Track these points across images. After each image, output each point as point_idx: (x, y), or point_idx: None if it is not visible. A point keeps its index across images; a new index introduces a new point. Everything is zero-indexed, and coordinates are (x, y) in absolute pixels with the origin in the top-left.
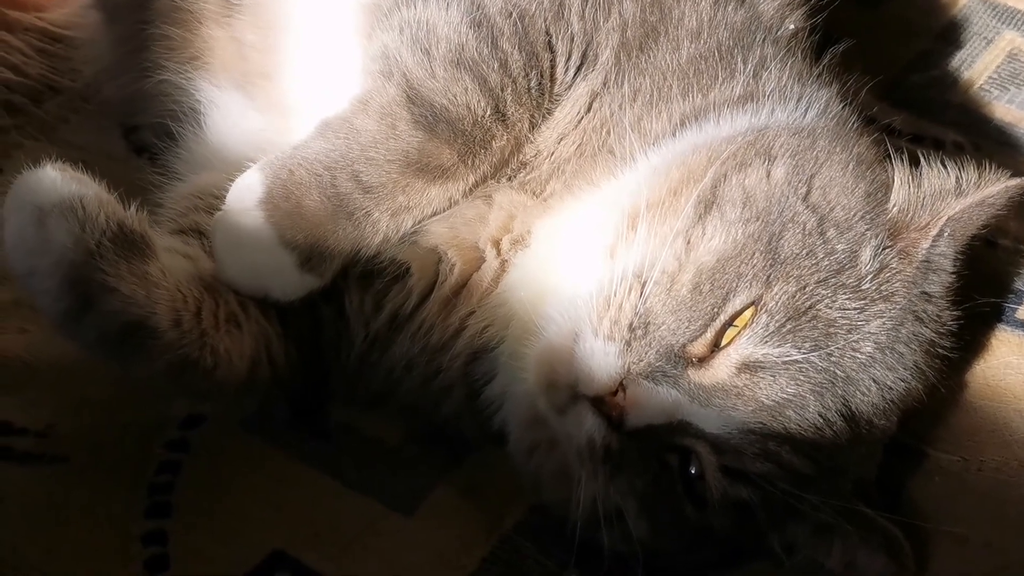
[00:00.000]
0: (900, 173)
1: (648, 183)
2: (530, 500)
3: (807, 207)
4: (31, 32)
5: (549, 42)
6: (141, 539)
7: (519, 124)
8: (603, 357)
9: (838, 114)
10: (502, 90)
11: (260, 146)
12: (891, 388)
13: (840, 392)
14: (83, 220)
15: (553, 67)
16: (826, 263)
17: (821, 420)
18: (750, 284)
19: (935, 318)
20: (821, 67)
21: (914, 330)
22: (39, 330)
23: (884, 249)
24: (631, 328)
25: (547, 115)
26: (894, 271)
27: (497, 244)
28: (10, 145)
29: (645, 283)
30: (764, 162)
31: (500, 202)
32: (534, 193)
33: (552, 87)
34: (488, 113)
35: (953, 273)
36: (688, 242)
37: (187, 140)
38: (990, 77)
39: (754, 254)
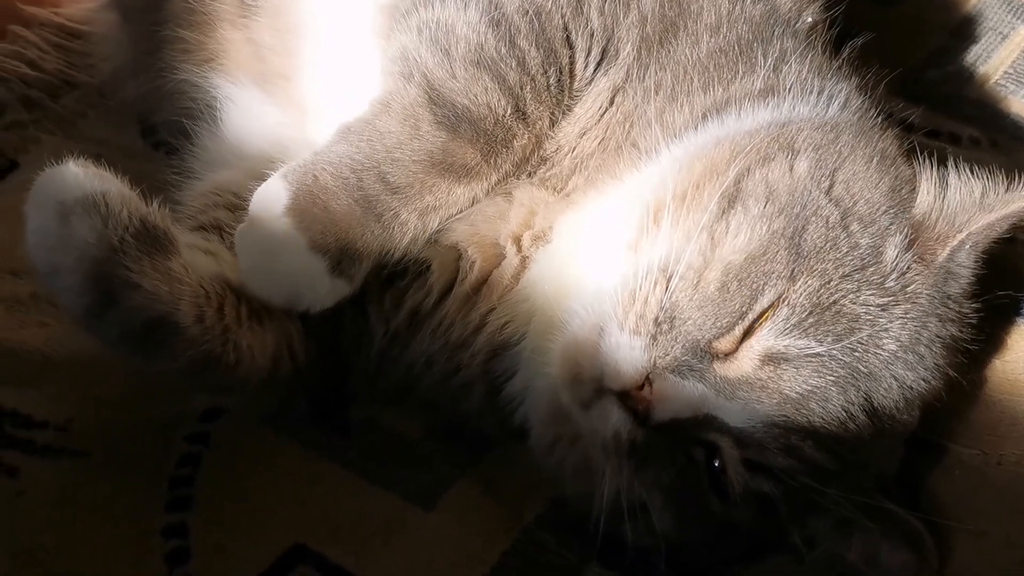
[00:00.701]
0: (927, 177)
1: (672, 176)
2: (550, 494)
3: (830, 200)
4: (47, 27)
5: (568, 38)
6: (161, 532)
7: (540, 122)
8: (629, 351)
9: (859, 108)
10: (521, 88)
11: (279, 143)
12: (912, 387)
13: (863, 388)
14: (106, 216)
15: (572, 63)
16: (850, 258)
17: (844, 414)
18: (776, 281)
19: (955, 318)
20: (841, 61)
21: (936, 331)
22: (59, 324)
23: (906, 249)
24: (657, 322)
25: (567, 111)
26: (915, 273)
27: (518, 240)
28: (28, 140)
29: (671, 277)
30: (787, 156)
31: (521, 199)
32: (555, 189)
33: (572, 83)
34: (509, 112)
35: (974, 274)
36: (712, 238)
37: (204, 138)
38: (1006, 72)
39: (779, 251)
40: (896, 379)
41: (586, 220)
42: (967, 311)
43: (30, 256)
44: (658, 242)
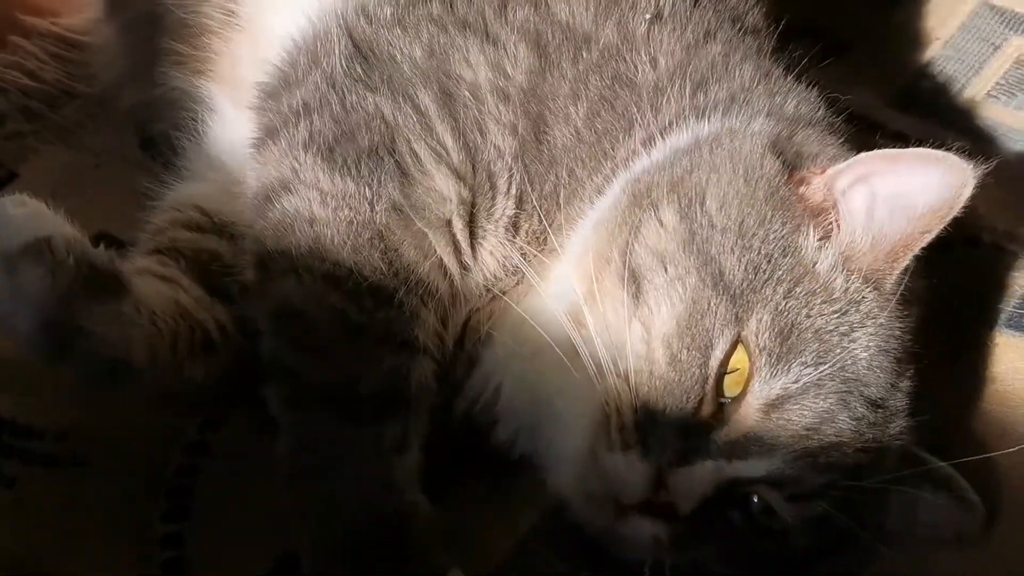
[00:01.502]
0: (824, 181)
1: (575, 274)
2: (544, 505)
3: (719, 231)
4: (46, 38)
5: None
6: (159, 542)
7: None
8: (628, 468)
9: (744, 104)
10: (400, 334)
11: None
12: (898, 374)
13: (858, 392)
14: (52, 266)
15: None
16: (778, 273)
17: (854, 421)
18: (722, 330)
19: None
20: (736, 52)
21: (903, 327)
22: None
23: (845, 272)
24: (639, 426)
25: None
26: (865, 295)
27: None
28: (27, 150)
29: (627, 377)
30: (651, 213)
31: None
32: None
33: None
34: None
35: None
36: (643, 324)
37: (188, 150)
38: (998, 83)
39: (709, 300)
40: (881, 374)
41: (527, 320)
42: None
43: None
44: (595, 342)
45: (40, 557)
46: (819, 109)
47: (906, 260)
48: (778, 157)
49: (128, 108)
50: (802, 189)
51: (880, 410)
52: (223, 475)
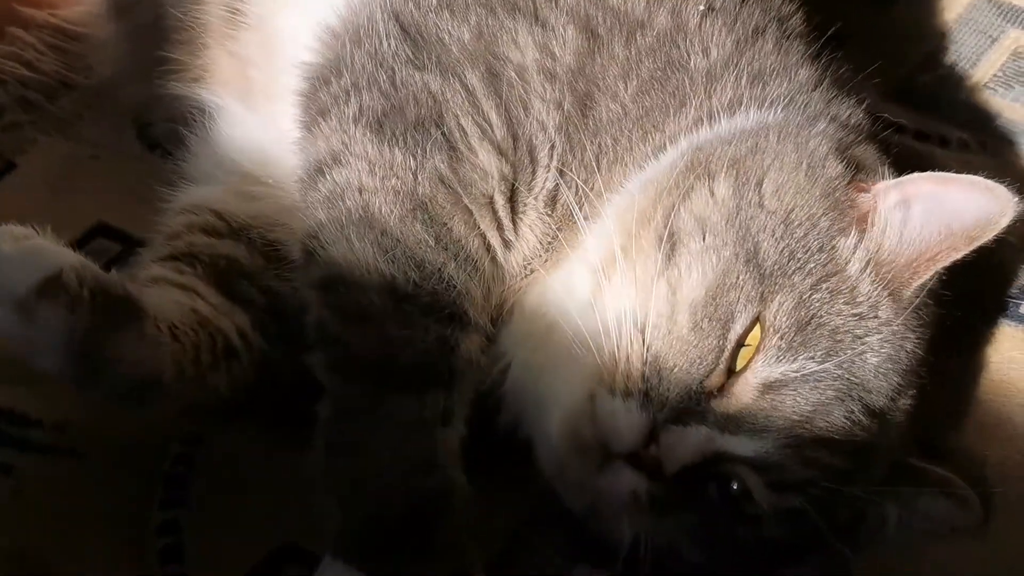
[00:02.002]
0: (878, 188)
1: (614, 231)
2: (538, 493)
3: (767, 213)
4: (45, 29)
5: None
6: (156, 530)
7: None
8: (626, 414)
9: (801, 106)
10: (448, 307)
11: (263, 163)
12: (901, 389)
13: (858, 396)
14: (68, 303)
15: (494, 229)
16: (811, 265)
17: (848, 422)
18: (745, 305)
19: (929, 334)
20: (789, 54)
21: (914, 347)
22: None
23: (871, 276)
24: (645, 378)
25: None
26: (885, 305)
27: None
28: (25, 141)
29: (644, 330)
30: (705, 183)
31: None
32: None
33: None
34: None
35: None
36: (669, 283)
37: (194, 149)
38: (995, 75)
39: (739, 275)
40: (885, 384)
41: (549, 292)
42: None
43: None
44: (619, 298)
45: (38, 546)
46: (867, 123)
47: (928, 274)
48: (842, 161)
49: (127, 101)
50: (857, 195)
51: (877, 420)
52: (220, 464)
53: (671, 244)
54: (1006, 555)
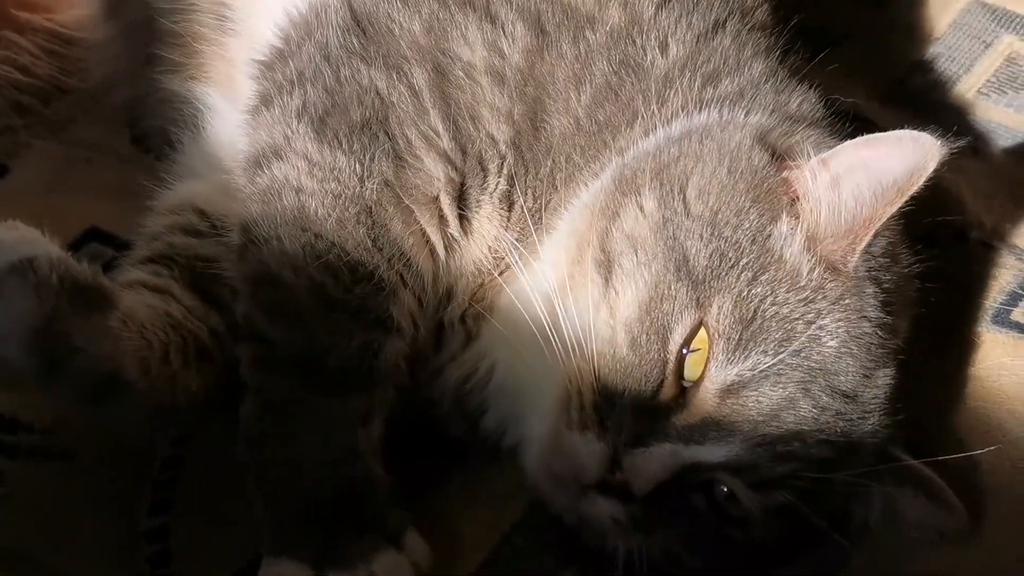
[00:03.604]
0: (810, 169)
1: (559, 257)
2: (528, 499)
3: (692, 219)
4: (40, 33)
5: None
6: (145, 535)
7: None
8: (586, 447)
9: (751, 100)
10: (376, 310)
11: None
12: (869, 365)
13: (823, 381)
14: (36, 284)
15: (435, 227)
16: (744, 260)
17: (818, 410)
18: (682, 314)
19: (892, 310)
20: (746, 47)
21: (875, 325)
22: None
23: (811, 256)
24: (597, 408)
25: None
26: (828, 280)
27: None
28: (19, 145)
29: (591, 360)
30: (633, 199)
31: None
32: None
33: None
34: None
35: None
36: (610, 308)
37: (184, 147)
38: (988, 81)
39: (670, 286)
40: (852, 363)
41: (521, 293)
42: (903, 295)
43: None
44: (571, 325)
45: (29, 550)
46: (820, 110)
47: (868, 236)
48: (767, 150)
49: (122, 103)
50: (787, 174)
51: (850, 401)
52: (206, 467)
53: (608, 268)
54: (999, 560)
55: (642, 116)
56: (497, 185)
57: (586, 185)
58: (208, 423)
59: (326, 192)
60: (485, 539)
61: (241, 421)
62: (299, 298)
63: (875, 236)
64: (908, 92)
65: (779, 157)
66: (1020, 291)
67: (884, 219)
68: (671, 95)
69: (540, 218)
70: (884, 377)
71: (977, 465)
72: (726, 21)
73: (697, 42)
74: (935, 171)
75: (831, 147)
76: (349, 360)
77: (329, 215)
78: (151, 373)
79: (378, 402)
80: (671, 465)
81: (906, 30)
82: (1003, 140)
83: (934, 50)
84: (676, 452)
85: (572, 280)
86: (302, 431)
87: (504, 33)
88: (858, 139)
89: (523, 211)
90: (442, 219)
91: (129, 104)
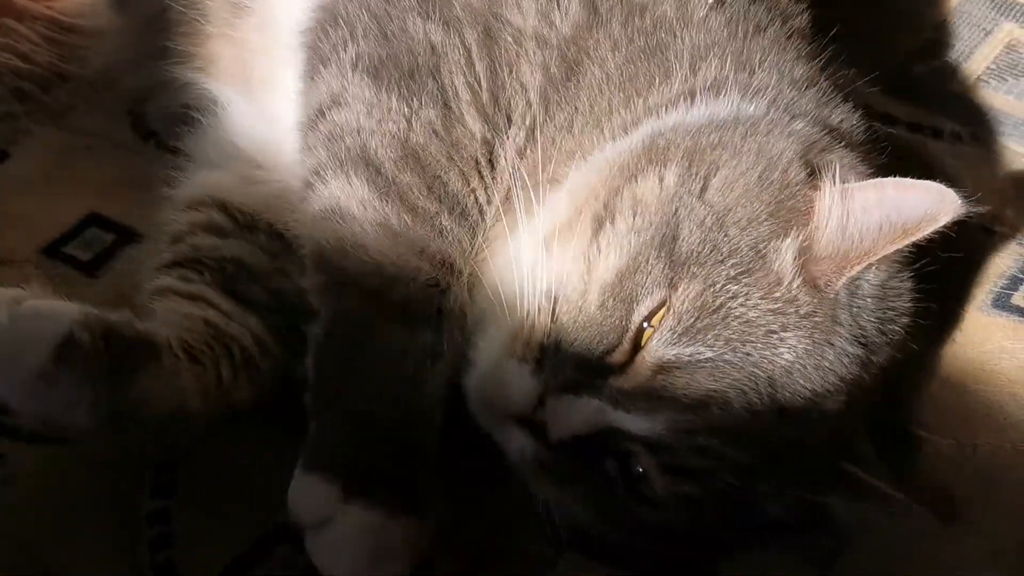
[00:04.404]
0: (827, 191)
1: (563, 204)
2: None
3: (703, 203)
4: (40, 21)
5: (462, 171)
6: (146, 518)
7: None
8: (518, 378)
9: (790, 103)
10: (439, 253)
11: (263, 150)
12: (825, 391)
13: (765, 391)
14: (85, 362)
15: (482, 189)
16: (732, 260)
17: (750, 415)
18: (652, 289)
19: (867, 342)
20: (787, 50)
21: (840, 353)
22: None
23: (794, 262)
24: (542, 348)
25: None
26: (806, 295)
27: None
28: (19, 132)
29: (556, 303)
30: (657, 168)
31: None
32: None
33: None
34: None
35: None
36: (588, 261)
37: (198, 137)
38: (988, 68)
39: (649, 259)
40: (802, 382)
41: (507, 257)
42: (886, 333)
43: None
44: (547, 271)
45: (29, 533)
46: (860, 132)
47: (860, 267)
48: (806, 167)
49: (126, 90)
50: (811, 197)
51: (790, 418)
52: (208, 449)
53: (599, 223)
54: (999, 545)
55: (676, 75)
56: (516, 139)
57: (611, 137)
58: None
59: (384, 132)
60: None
61: (309, 343)
62: (366, 228)
63: (867, 267)
64: (907, 80)
65: (813, 175)
66: (1020, 275)
67: (881, 254)
68: (704, 66)
69: (550, 168)
70: (834, 405)
71: (976, 448)
72: (768, 26)
73: (734, 35)
74: (945, 225)
75: (862, 173)
76: (416, 293)
77: (387, 154)
78: (210, 397)
79: (445, 346)
80: (592, 422)
81: (906, 18)
82: (1004, 127)
83: (933, 37)
84: (601, 411)
85: (566, 229)
86: (372, 353)
87: (558, 6)
88: (888, 180)
89: (536, 159)
90: (481, 177)
91: (134, 93)
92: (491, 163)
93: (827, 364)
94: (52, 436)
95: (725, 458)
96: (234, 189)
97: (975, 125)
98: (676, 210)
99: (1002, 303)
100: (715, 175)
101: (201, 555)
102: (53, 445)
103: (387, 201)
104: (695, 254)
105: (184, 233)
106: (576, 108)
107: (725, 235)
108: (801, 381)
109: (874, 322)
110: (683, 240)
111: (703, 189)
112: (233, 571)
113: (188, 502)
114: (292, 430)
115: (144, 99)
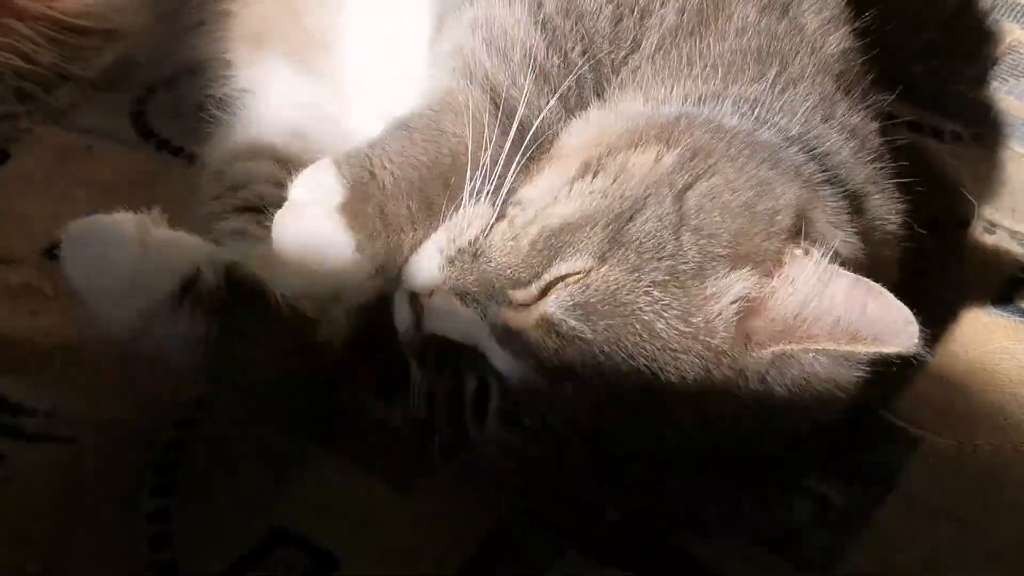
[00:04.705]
0: (813, 261)
1: (576, 136)
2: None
3: (676, 201)
4: (42, 21)
5: (607, 41)
6: (147, 517)
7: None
8: (427, 261)
9: (825, 154)
10: (571, 102)
11: (309, 118)
12: (692, 437)
13: (640, 399)
14: (208, 300)
15: (611, 68)
16: (668, 265)
17: (596, 413)
18: (578, 255)
19: (770, 410)
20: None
21: (734, 410)
22: (49, 313)
23: (738, 300)
24: (460, 251)
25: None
26: (724, 344)
27: None
28: (20, 131)
29: (501, 219)
30: (661, 146)
31: None
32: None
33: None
34: (557, 120)
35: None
36: (555, 199)
37: (233, 113)
38: (989, 68)
39: (596, 226)
40: (682, 415)
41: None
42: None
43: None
44: (524, 189)
45: (30, 532)
46: (894, 214)
47: (789, 347)
48: (798, 220)
49: (135, 84)
50: (788, 251)
51: (636, 441)
52: (209, 450)
53: (584, 170)
54: (999, 545)
55: (740, 77)
56: (633, 57)
57: (645, 100)
58: (209, 407)
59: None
60: (485, 517)
61: None
62: (520, 35)
63: (802, 351)
64: (911, 80)
65: (799, 232)
66: (1021, 275)
67: (817, 347)
68: (734, 80)
69: (618, 95)
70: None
71: (977, 448)
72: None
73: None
74: (888, 355)
75: (864, 252)
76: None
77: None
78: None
79: None
80: (464, 334)
81: (909, 18)
82: (1004, 127)
83: (935, 37)
84: (478, 331)
85: (563, 157)
86: None
87: None
88: (870, 284)
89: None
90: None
91: (147, 84)
92: (599, 62)
93: (709, 409)
94: (52, 436)
95: (559, 441)
96: (289, 142)
97: (975, 125)
98: (648, 196)
99: (1004, 303)
100: (706, 179)
101: (201, 555)
102: (53, 445)
103: (542, 30)
104: (638, 243)
105: (245, 182)
106: (667, 61)
107: (680, 241)
108: (680, 412)
109: (781, 401)
110: (636, 225)
111: (686, 187)
112: (234, 571)
113: (188, 502)
114: (295, 431)
115: (146, 98)
